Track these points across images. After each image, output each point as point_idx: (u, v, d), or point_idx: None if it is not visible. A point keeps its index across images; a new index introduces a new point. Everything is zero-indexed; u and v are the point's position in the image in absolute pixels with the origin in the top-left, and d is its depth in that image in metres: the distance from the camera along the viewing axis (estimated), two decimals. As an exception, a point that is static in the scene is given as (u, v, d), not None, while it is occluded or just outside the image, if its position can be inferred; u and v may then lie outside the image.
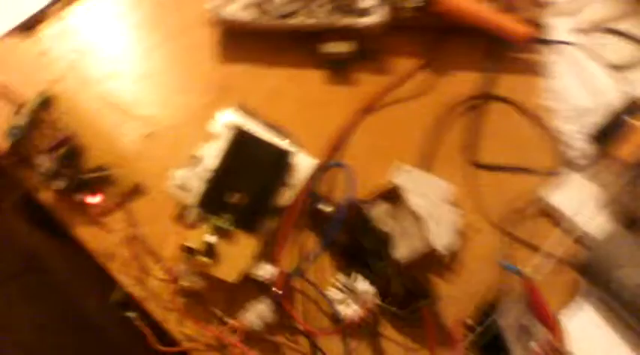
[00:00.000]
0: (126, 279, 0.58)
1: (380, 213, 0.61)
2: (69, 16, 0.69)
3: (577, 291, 0.64)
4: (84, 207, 0.59)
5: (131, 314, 0.57)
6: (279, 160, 0.61)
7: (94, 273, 0.76)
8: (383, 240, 0.59)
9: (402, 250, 0.59)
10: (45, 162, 0.57)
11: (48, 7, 0.68)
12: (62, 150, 0.58)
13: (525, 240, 0.66)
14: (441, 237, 0.60)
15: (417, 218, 0.60)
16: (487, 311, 0.59)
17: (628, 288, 0.59)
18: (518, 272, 0.59)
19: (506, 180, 0.68)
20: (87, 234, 0.59)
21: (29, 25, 0.67)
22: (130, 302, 0.58)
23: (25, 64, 0.65)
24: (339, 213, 0.58)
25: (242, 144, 0.60)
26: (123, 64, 0.67)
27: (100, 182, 0.59)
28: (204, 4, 0.66)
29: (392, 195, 0.61)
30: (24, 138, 0.58)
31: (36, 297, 0.89)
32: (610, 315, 0.63)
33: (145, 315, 0.57)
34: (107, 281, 0.61)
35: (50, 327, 0.85)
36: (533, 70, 0.76)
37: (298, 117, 0.66)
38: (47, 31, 0.68)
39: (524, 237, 0.66)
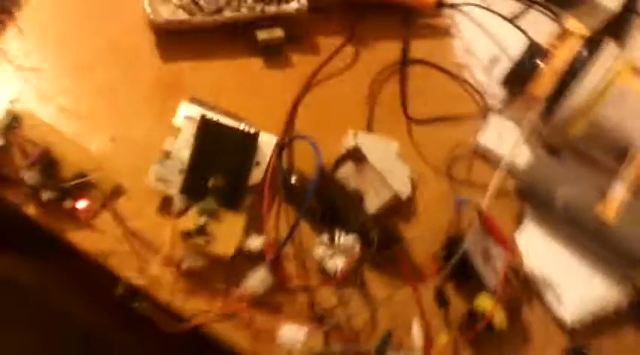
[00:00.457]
0: (127, 273, 0.61)
1: (346, 174, 0.68)
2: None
3: (524, 216, 0.74)
4: (72, 213, 0.61)
5: (140, 304, 0.60)
6: (244, 141, 0.66)
7: (82, 284, 0.78)
8: (354, 197, 0.66)
9: (373, 202, 0.67)
10: (30, 177, 0.59)
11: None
12: (41, 164, 0.60)
13: (468, 180, 0.75)
14: (400, 186, 0.68)
15: (377, 172, 0.67)
16: (452, 245, 0.68)
17: (576, 204, 0.69)
18: (472, 204, 0.68)
19: (440, 132, 0.77)
20: (80, 238, 0.62)
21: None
22: (134, 294, 0.61)
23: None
24: (312, 181, 0.64)
25: (208, 131, 0.65)
26: (68, 78, 0.70)
27: (81, 188, 0.62)
28: (145, 8, 0.70)
29: (353, 157, 0.69)
30: (-1, 158, 0.60)
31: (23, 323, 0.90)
32: (554, 231, 0.73)
33: (152, 304, 0.61)
34: (95, 288, 0.64)
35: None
36: (443, 32, 0.85)
37: (245, 103, 0.72)
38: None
39: (464, 177, 0.75)
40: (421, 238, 0.70)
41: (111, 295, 0.63)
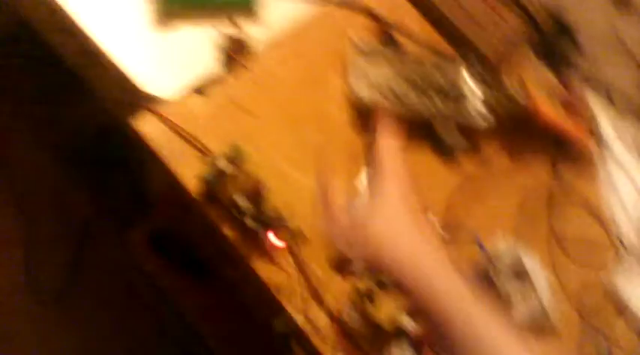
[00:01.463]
0: (294, 311, 0.67)
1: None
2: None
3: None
4: (261, 243, 0.69)
5: (293, 346, 0.66)
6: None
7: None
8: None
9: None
10: (241, 202, 0.67)
11: (216, 74, 0.79)
12: (252, 195, 0.69)
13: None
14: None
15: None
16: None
17: None
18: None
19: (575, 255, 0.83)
20: (262, 267, 0.69)
21: (200, 89, 0.78)
22: (290, 334, 0.67)
23: (209, 120, 0.75)
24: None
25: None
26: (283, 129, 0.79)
27: (274, 224, 0.70)
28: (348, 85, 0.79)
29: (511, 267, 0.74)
30: (216, 181, 0.69)
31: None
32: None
33: (303, 346, 0.67)
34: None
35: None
36: (588, 161, 0.93)
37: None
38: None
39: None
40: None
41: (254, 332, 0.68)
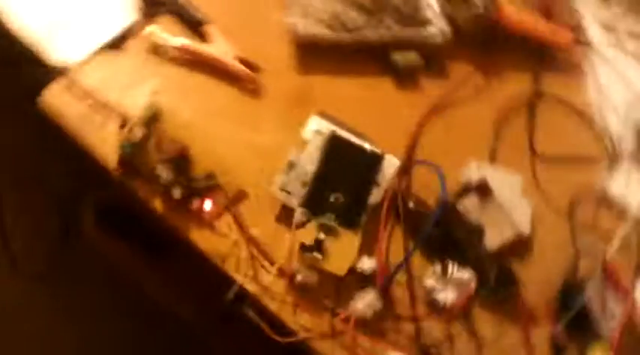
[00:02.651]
0: (242, 278, 0.62)
1: (468, 206, 0.66)
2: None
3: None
4: (197, 213, 0.63)
5: (248, 311, 0.61)
6: (369, 161, 0.66)
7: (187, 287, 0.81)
8: (475, 232, 0.65)
9: (495, 239, 0.65)
10: (164, 173, 0.61)
11: (133, 25, 0.72)
12: (176, 161, 0.62)
13: (590, 225, 0.72)
14: (523, 224, 0.66)
15: (502, 209, 0.65)
16: (569, 290, 0.65)
17: None
18: (599, 253, 0.65)
19: (564, 171, 0.75)
20: (201, 238, 0.63)
21: (116, 44, 0.71)
22: (243, 300, 0.62)
23: (120, 79, 0.68)
24: (435, 210, 0.63)
25: (336, 147, 0.66)
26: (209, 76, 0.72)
27: (207, 189, 0.63)
28: (285, 19, 0.71)
29: (478, 189, 0.67)
30: (135, 151, 0.62)
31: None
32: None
33: (261, 313, 0.62)
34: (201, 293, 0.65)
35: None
36: (577, 69, 0.82)
37: (370, 122, 0.72)
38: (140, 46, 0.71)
39: (586, 221, 0.72)
40: (536, 280, 0.68)
41: (213, 299, 0.64)
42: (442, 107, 0.77)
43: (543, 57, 0.83)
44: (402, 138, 0.73)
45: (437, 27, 0.76)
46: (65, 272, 1.13)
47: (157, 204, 0.64)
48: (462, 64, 0.81)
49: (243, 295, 0.63)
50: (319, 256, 0.61)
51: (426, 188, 0.68)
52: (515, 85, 0.80)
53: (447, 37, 0.76)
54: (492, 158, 0.74)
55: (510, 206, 0.66)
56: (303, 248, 0.60)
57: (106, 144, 0.65)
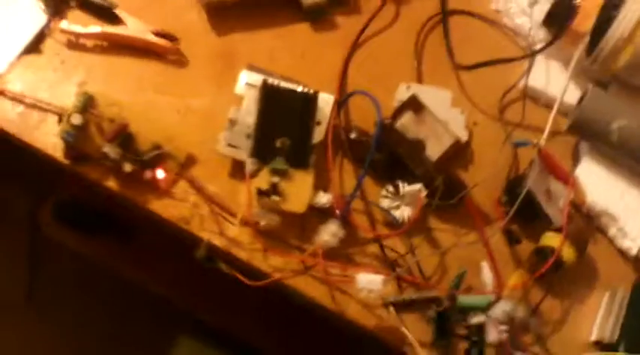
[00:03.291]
0: (208, 235, 0.64)
1: (405, 125, 0.70)
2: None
3: (580, 153, 0.75)
4: (151, 184, 0.65)
5: (221, 265, 0.64)
6: (305, 102, 0.69)
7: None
8: (416, 146, 0.69)
9: (435, 149, 0.69)
10: (112, 151, 0.62)
11: (43, 26, 0.72)
12: (120, 138, 0.64)
13: (521, 122, 0.76)
14: (458, 131, 0.70)
15: (437, 120, 0.69)
16: (514, 187, 0.70)
17: (632, 136, 0.70)
18: (533, 144, 0.69)
19: (488, 77, 0.79)
20: (161, 207, 0.66)
21: (33, 48, 0.71)
22: (213, 255, 0.65)
23: (47, 78, 0.69)
24: (375, 134, 0.67)
25: (270, 95, 0.68)
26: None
27: (157, 160, 0.65)
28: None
29: (411, 107, 0.71)
30: (78, 138, 0.64)
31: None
32: (613, 164, 0.74)
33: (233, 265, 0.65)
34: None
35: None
36: None
37: (298, 67, 0.75)
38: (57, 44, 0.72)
39: (516, 119, 0.76)
40: (482, 183, 0.72)
41: (182, 268, 0.66)
42: (362, 41, 0.79)
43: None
44: (332, 77, 0.75)
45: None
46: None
47: (111, 183, 0.66)
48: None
49: (214, 252, 0.65)
50: (277, 198, 0.63)
51: (365, 117, 0.71)
52: (423, 7, 0.83)
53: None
54: (419, 79, 0.78)
55: (444, 118, 0.70)
56: (261, 193, 0.63)
57: (49, 138, 0.66)
